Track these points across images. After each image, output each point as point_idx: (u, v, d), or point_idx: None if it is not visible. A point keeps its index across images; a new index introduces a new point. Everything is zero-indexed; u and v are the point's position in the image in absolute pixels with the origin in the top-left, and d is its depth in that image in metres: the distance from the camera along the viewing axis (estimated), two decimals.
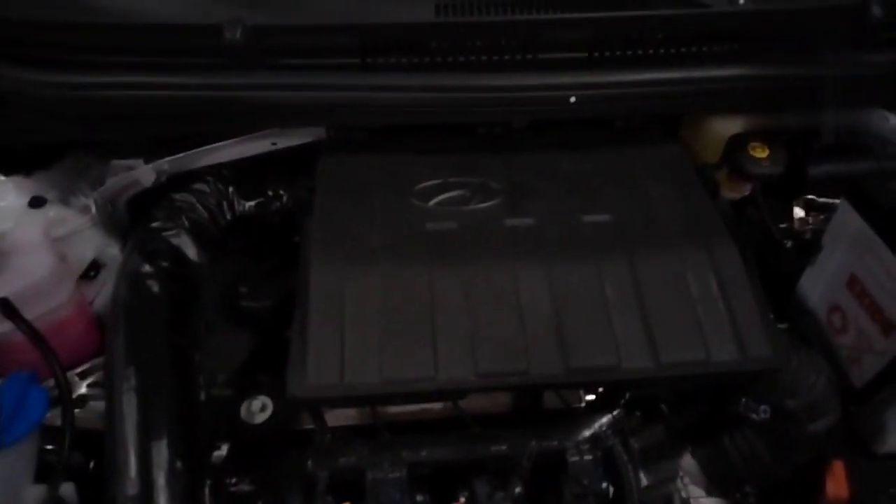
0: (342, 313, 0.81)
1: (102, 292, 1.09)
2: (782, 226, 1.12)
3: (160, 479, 0.74)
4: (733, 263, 0.87)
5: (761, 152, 1.02)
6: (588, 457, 0.84)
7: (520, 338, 0.81)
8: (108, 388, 0.82)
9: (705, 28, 0.90)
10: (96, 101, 0.90)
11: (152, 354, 0.82)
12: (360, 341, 0.80)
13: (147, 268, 0.88)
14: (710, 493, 0.92)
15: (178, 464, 0.76)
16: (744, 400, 0.87)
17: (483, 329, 0.81)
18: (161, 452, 0.76)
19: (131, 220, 1.11)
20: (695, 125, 1.09)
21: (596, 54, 0.90)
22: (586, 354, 0.80)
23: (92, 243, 1.08)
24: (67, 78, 0.88)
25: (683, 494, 0.90)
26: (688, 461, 0.93)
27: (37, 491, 0.83)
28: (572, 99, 0.88)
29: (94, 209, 1.06)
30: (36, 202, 1.03)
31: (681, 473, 0.92)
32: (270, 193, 1.00)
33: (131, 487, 0.73)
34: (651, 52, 0.90)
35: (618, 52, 0.90)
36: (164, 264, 0.89)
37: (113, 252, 1.10)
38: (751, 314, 0.83)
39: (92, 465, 0.97)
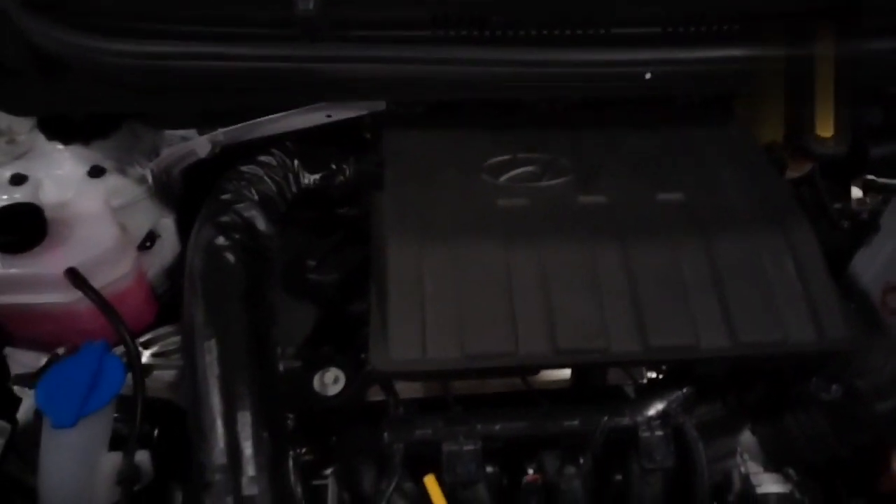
0: (421, 289, 0.81)
1: (157, 263, 1.10)
2: (837, 206, 1.11)
3: (247, 449, 0.75)
4: (809, 244, 0.87)
5: (826, 131, 1.01)
6: (659, 433, 0.85)
7: (598, 315, 0.81)
8: (188, 358, 0.82)
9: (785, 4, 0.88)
10: (160, 71, 0.89)
11: (232, 326, 0.82)
12: (440, 317, 0.80)
13: (221, 240, 0.88)
14: (768, 470, 0.93)
15: (264, 434, 0.77)
16: (814, 379, 0.88)
17: (561, 306, 0.82)
18: (246, 422, 0.76)
19: (185, 190, 1.12)
20: (754, 102, 1.08)
21: (670, 29, 0.88)
22: (665, 333, 0.81)
23: (148, 214, 1.08)
24: (131, 46, 0.87)
25: (743, 470, 0.92)
26: (747, 437, 0.94)
27: (113, 459, 0.84)
28: (648, 75, 0.87)
29: (150, 179, 1.06)
30: (95, 172, 1.03)
31: (740, 449, 0.93)
32: (334, 167, 1.00)
33: (219, 457, 0.74)
34: (727, 27, 0.89)
35: (692, 28, 0.88)
36: (237, 236, 0.89)
37: (168, 223, 1.11)
38: (827, 295, 0.84)
39: (157, 432, 0.98)
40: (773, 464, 0.93)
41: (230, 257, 0.87)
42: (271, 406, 0.80)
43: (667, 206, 0.91)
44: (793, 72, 0.94)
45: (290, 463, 0.78)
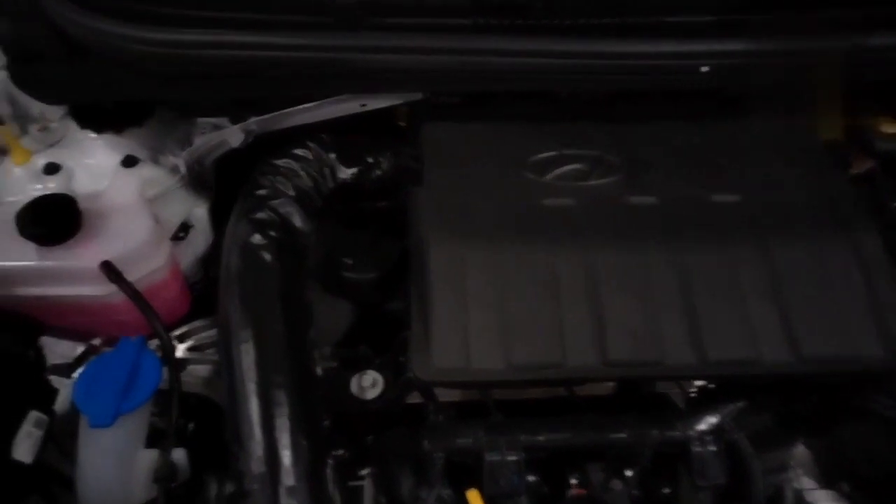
0: (464, 295, 0.78)
1: (190, 253, 1.08)
2: None
3: (286, 458, 0.74)
4: (877, 252, 0.82)
5: (890, 127, 0.95)
6: (712, 448, 0.82)
7: (650, 325, 0.78)
8: (225, 361, 0.81)
9: None
10: (188, 60, 0.86)
11: (270, 328, 0.80)
12: (484, 324, 0.77)
13: (258, 238, 0.86)
14: (822, 485, 0.89)
15: (303, 441, 0.75)
16: (876, 396, 0.83)
17: (610, 315, 0.78)
18: (284, 429, 0.75)
19: (218, 179, 1.09)
20: (811, 97, 1.02)
21: (727, 18, 0.82)
22: (724, 346, 0.77)
23: (182, 204, 1.06)
24: (158, 34, 0.84)
25: (795, 485, 0.88)
26: (801, 451, 0.90)
27: (149, 456, 0.83)
28: (704, 69, 0.82)
29: (183, 169, 1.04)
30: (129, 161, 1.01)
31: (792, 463, 0.89)
32: (370, 160, 0.96)
33: (257, 465, 0.73)
34: (789, 16, 0.83)
35: (752, 16, 0.83)
36: (274, 234, 0.87)
37: (201, 213, 1.09)
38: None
39: (192, 427, 0.98)
40: (826, 479, 0.89)
41: (267, 256, 0.85)
42: (309, 411, 0.78)
43: (723, 208, 0.86)
44: (854, 64, 0.88)
45: (329, 470, 0.77)
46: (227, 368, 0.80)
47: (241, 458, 0.74)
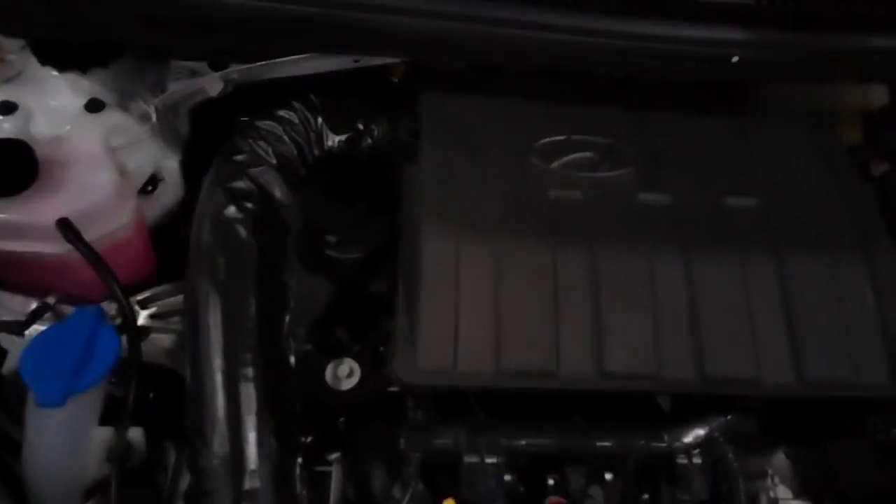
0: (456, 293, 0.73)
1: (157, 208, 1.01)
2: None
3: (251, 460, 0.69)
4: (891, 273, 0.78)
5: None
6: (697, 461, 0.79)
7: (651, 335, 0.73)
8: (191, 345, 0.75)
9: None
10: (169, 2, 0.77)
11: (241, 313, 0.74)
12: (476, 326, 0.72)
13: (233, 210, 0.79)
14: (799, 496, 0.88)
15: (271, 440, 0.70)
16: (871, 419, 0.81)
17: (610, 322, 0.74)
18: (251, 427, 0.70)
19: (193, 130, 1.01)
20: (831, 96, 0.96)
21: (765, 3, 0.75)
22: (725, 362, 0.73)
23: (151, 155, 0.98)
24: None
25: (772, 494, 0.86)
26: (780, 459, 0.88)
27: (103, 434, 0.78)
28: (735, 59, 0.75)
29: (154, 117, 0.96)
30: (94, 106, 0.92)
31: (771, 471, 0.87)
32: (361, 127, 0.89)
33: (220, 465, 0.68)
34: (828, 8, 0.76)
35: (792, 4, 0.75)
36: (251, 206, 0.80)
37: (172, 165, 1.01)
38: None
39: (151, 396, 0.92)
40: (805, 490, 0.88)
41: (242, 232, 0.78)
42: (280, 406, 0.73)
43: (737, 213, 0.81)
44: (877, 63, 0.82)
45: (298, 470, 0.72)
46: (191, 354, 0.74)
47: (204, 453, 0.69)
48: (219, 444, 0.69)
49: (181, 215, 1.02)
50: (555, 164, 0.83)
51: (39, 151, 0.84)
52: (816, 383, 0.74)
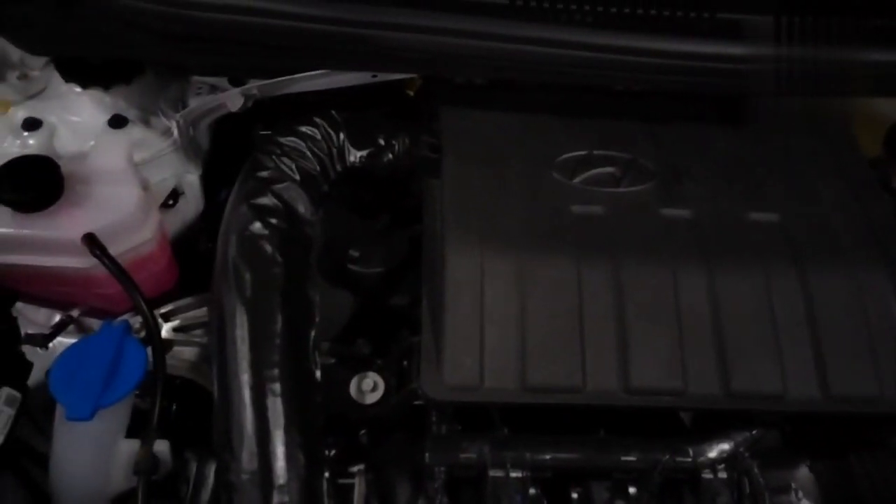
0: (480, 308, 0.73)
1: (178, 221, 1.02)
2: None
3: (279, 475, 0.69)
4: None
5: None
6: (723, 475, 0.79)
7: (676, 351, 0.74)
8: (219, 360, 0.75)
9: None
10: (186, 20, 0.78)
11: (268, 329, 0.75)
12: (501, 342, 0.73)
13: (258, 227, 0.80)
14: None
15: (300, 456, 0.70)
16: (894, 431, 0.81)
17: (635, 337, 0.74)
18: (279, 442, 0.70)
19: (213, 145, 1.02)
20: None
21: (785, 18, 0.75)
22: (750, 378, 0.73)
23: (173, 170, 0.99)
24: None
25: None
26: (804, 474, 0.88)
27: (130, 446, 0.78)
28: (752, 73, 0.75)
29: (175, 132, 0.97)
30: (117, 122, 0.94)
31: (794, 486, 0.87)
32: (382, 142, 0.89)
33: (250, 480, 0.68)
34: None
35: (812, 18, 0.75)
36: (276, 222, 0.80)
37: (192, 179, 1.02)
38: None
39: (175, 408, 0.93)
40: None
41: (268, 248, 0.78)
42: (307, 420, 0.73)
43: (759, 228, 0.81)
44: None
45: (325, 485, 0.73)
46: (219, 370, 0.75)
47: (232, 468, 0.70)
48: (247, 459, 0.69)
49: (201, 229, 1.03)
50: (577, 180, 0.84)
51: (64, 167, 0.85)
52: (842, 398, 0.73)
